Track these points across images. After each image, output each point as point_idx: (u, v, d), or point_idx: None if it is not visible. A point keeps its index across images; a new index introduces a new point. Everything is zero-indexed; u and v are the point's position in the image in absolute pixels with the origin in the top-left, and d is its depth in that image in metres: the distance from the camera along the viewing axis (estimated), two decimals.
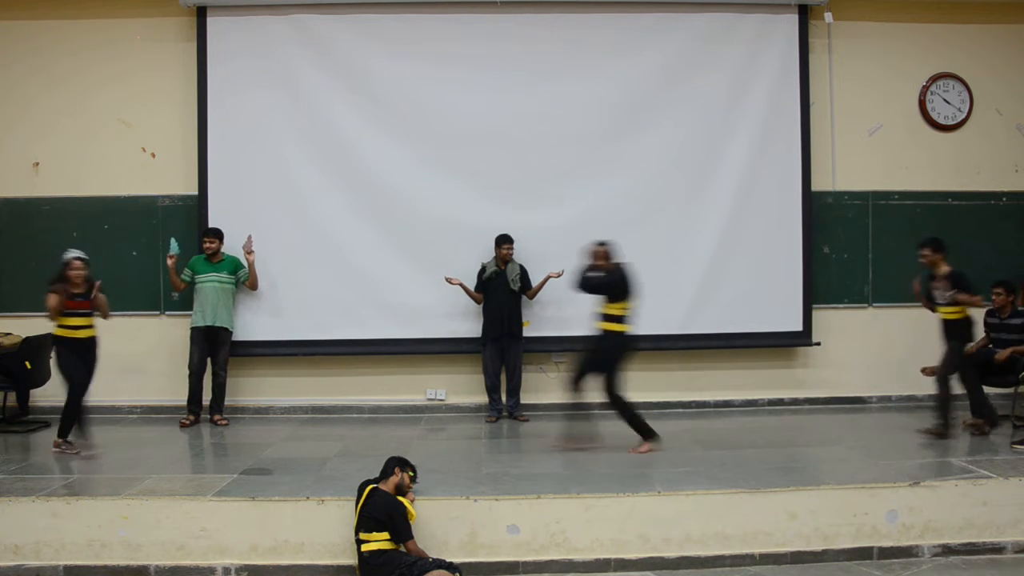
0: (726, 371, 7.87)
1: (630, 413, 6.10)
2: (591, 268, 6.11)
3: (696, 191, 7.67)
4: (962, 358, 6.33)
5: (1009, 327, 6.76)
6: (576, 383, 6.19)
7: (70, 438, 6.05)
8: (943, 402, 6.29)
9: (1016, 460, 5.58)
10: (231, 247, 7.32)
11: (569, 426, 6.29)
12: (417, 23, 7.57)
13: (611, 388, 6.02)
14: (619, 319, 6.02)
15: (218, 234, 7.24)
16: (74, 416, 6.01)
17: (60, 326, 5.98)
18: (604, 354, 6.05)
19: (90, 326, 6.10)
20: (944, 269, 6.34)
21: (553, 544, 4.84)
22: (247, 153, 7.53)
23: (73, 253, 6.10)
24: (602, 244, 6.15)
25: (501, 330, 7.23)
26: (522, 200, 7.56)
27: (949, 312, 6.31)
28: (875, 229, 7.89)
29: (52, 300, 5.90)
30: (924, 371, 6.92)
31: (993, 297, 6.83)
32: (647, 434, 6.10)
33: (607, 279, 6.02)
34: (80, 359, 6.02)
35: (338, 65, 7.55)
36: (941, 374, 6.30)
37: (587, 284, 6.08)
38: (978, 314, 7.34)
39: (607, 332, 6.04)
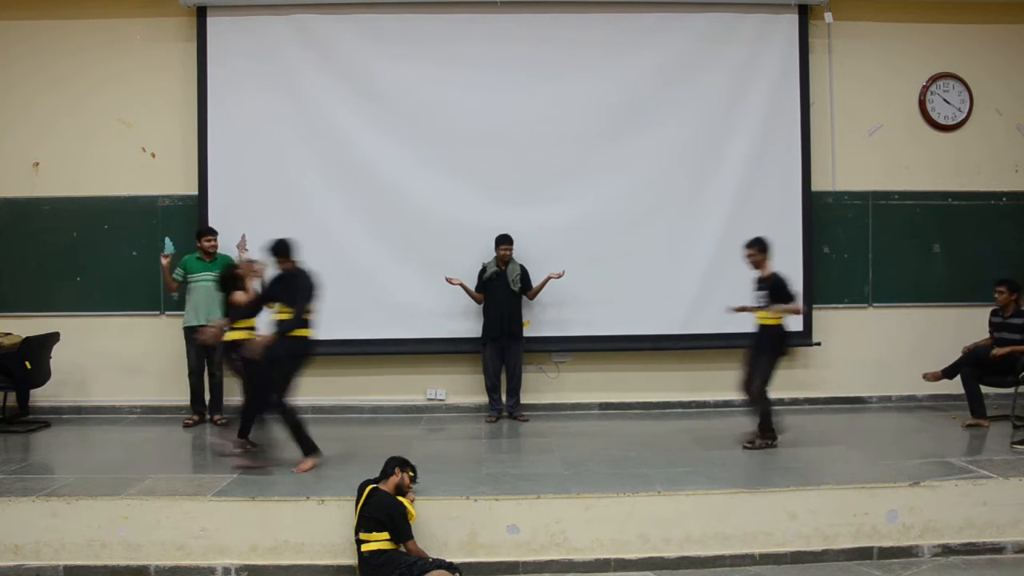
0: (726, 371, 7.82)
1: (295, 424, 5.56)
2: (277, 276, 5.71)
3: (696, 191, 7.67)
4: (773, 370, 6.03)
5: (1011, 326, 6.75)
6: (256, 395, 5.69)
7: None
8: (765, 415, 6.08)
9: (1016, 460, 5.57)
10: (229, 247, 7.33)
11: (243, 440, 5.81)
12: (417, 23, 7.57)
13: (277, 396, 5.51)
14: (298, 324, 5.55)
15: (215, 232, 7.25)
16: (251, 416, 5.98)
17: (242, 329, 5.83)
18: (277, 361, 5.51)
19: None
20: (768, 271, 6.10)
21: (553, 544, 4.84)
22: (247, 153, 7.53)
23: (249, 253, 6.07)
24: (277, 246, 5.66)
25: (501, 330, 7.23)
26: (522, 200, 7.56)
27: (766, 318, 6.06)
28: (875, 229, 7.89)
29: (242, 297, 5.86)
30: (926, 377, 6.90)
31: (996, 296, 6.82)
32: (309, 449, 5.60)
33: (286, 284, 5.59)
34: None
35: (338, 65, 7.55)
36: (758, 390, 6.01)
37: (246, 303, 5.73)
38: (972, 314, 7.43)
39: (284, 338, 5.52)
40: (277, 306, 5.66)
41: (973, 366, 6.75)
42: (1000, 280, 6.84)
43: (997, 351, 6.62)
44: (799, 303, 6.15)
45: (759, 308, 6.10)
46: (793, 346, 7.81)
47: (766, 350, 6.08)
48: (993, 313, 6.97)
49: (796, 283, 7.60)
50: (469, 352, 7.56)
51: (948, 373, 6.89)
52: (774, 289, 6.04)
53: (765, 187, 7.67)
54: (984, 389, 6.78)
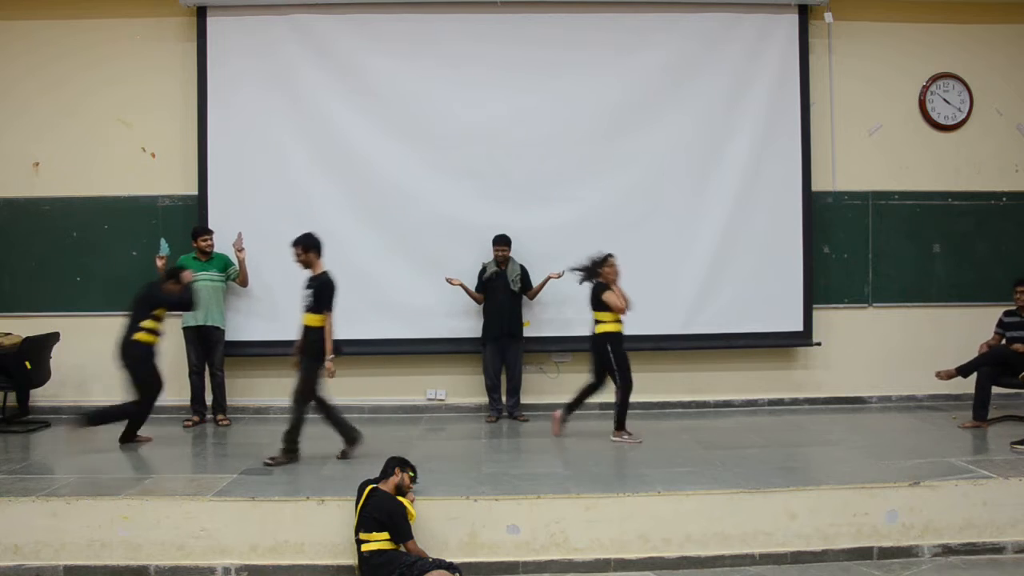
0: (726, 371, 7.87)
1: None
2: None
3: (696, 191, 7.67)
4: (314, 377, 5.73)
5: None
6: None
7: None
8: (294, 426, 5.71)
9: (1016, 460, 5.58)
10: (228, 246, 7.33)
11: None
12: (418, 23, 7.58)
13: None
14: None
15: (211, 232, 7.25)
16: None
17: (616, 321, 6.46)
18: None
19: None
20: (319, 270, 5.74)
21: (553, 544, 4.84)
22: (247, 153, 7.54)
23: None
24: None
25: (501, 330, 7.23)
26: (522, 200, 7.56)
27: (310, 320, 5.72)
28: (875, 229, 7.90)
29: (618, 297, 6.44)
30: (939, 375, 6.86)
31: (1016, 296, 6.84)
32: None
33: None
34: None
35: (338, 65, 7.55)
36: (295, 396, 5.72)
37: None
38: (973, 314, 7.42)
39: None
40: None
41: (993, 365, 6.69)
42: (1019, 279, 6.88)
43: (1019, 346, 6.61)
44: (330, 318, 5.68)
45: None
46: (793, 346, 7.85)
47: (307, 354, 5.70)
48: (1007, 313, 6.97)
49: (794, 282, 7.72)
50: (469, 352, 7.56)
51: (963, 371, 6.79)
52: (319, 291, 5.68)
53: (765, 187, 7.67)
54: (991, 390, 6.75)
